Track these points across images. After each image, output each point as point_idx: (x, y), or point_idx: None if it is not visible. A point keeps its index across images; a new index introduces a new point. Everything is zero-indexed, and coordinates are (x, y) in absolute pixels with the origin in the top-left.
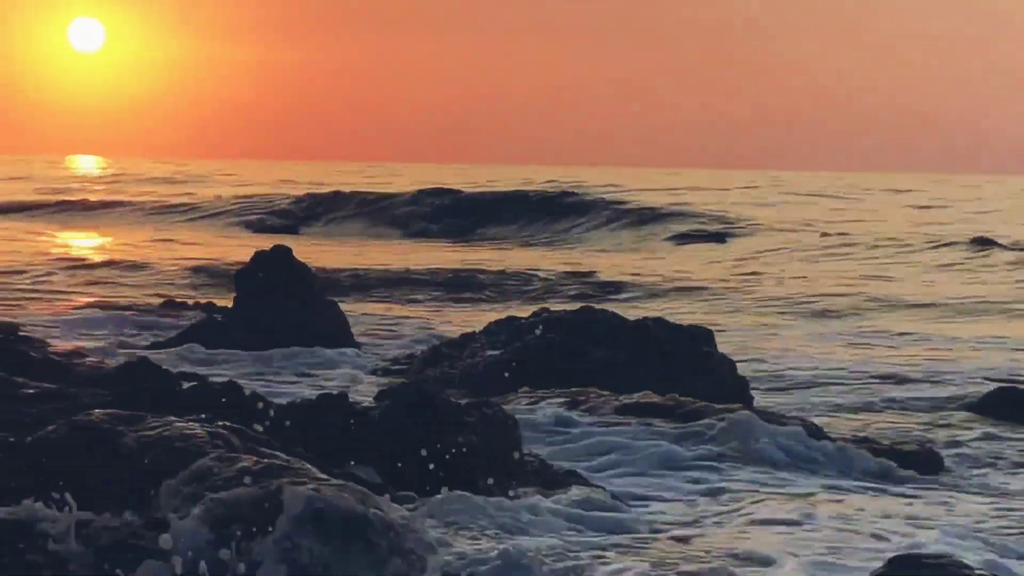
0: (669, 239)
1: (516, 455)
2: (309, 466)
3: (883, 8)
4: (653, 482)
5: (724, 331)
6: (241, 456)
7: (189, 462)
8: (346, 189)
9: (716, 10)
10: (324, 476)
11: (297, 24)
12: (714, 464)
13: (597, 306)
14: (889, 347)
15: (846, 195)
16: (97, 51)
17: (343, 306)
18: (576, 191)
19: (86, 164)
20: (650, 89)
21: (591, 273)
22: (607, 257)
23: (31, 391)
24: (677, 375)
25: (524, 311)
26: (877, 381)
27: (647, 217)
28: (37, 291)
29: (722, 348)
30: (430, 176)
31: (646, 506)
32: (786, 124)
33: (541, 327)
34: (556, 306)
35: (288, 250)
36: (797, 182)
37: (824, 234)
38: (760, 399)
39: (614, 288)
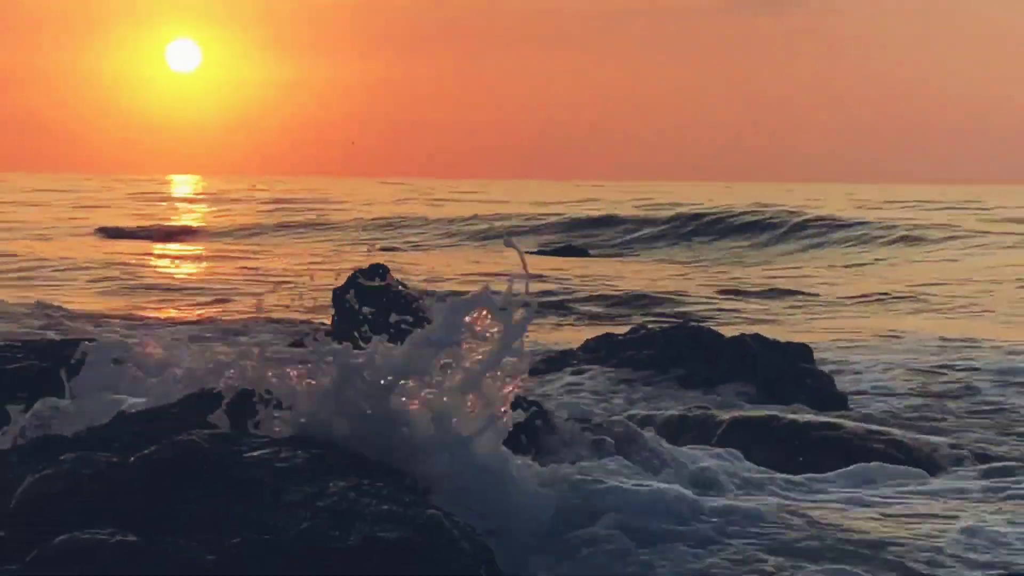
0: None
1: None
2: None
3: None
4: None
5: None
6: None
7: (291, 483)
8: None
9: (840, 23)
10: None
11: (391, 43)
12: None
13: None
14: None
15: None
16: (194, 71)
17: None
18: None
19: (186, 183)
20: (764, 103)
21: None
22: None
23: (135, 410)
24: (775, 391)
25: None
26: None
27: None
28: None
29: None
30: (552, 194)
31: None
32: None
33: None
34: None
35: (386, 268)
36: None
37: None
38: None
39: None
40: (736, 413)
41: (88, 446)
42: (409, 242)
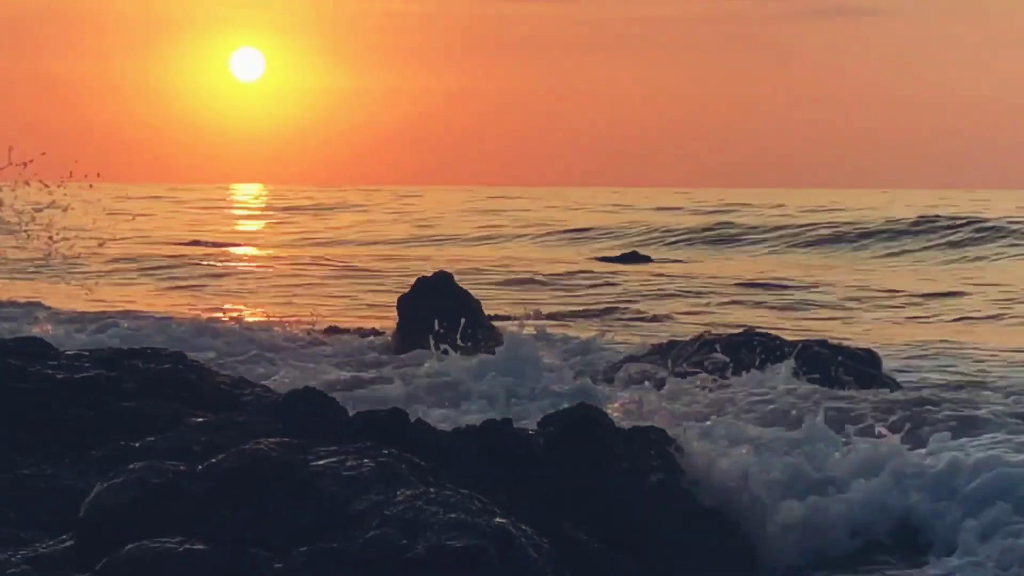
0: None
1: (681, 481)
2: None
3: None
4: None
5: None
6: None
7: (358, 491)
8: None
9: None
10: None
11: (452, 52)
12: None
13: None
14: None
15: None
16: (257, 80)
17: None
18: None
19: (250, 191)
20: (841, 108)
21: None
22: None
23: (200, 419)
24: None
25: None
26: None
27: None
28: None
29: None
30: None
31: None
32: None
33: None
34: None
35: (449, 276)
36: None
37: None
38: None
39: None
40: None
41: (156, 454)
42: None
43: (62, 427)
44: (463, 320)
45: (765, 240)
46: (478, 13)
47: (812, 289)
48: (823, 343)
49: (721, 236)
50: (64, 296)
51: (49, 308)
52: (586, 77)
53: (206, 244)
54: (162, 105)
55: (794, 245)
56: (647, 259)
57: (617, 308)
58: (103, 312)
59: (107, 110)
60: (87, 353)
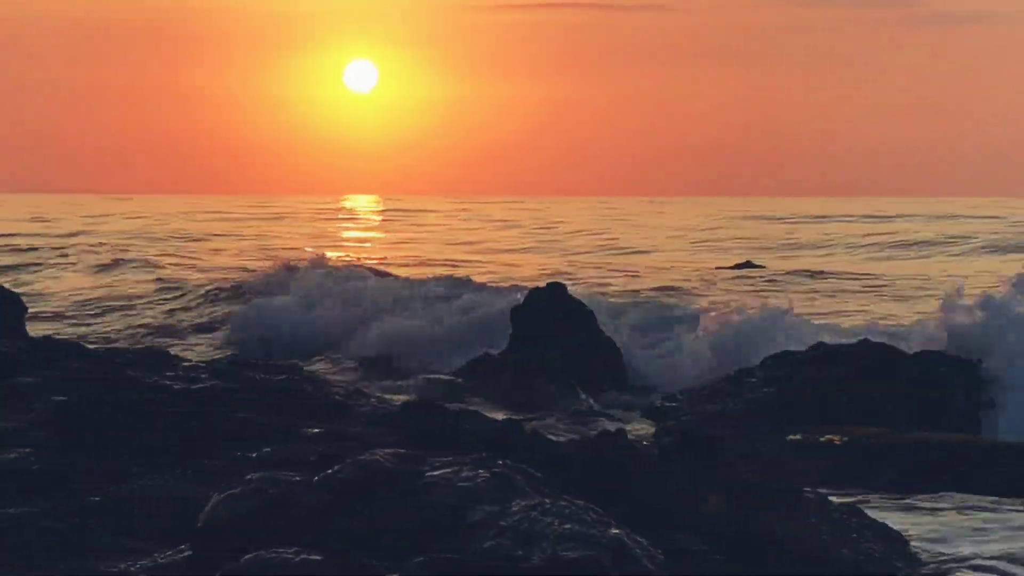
0: None
1: (796, 492)
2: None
3: None
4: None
5: None
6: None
7: (474, 502)
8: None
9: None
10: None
11: (566, 60)
12: None
13: None
14: None
15: None
16: (370, 92)
17: None
18: None
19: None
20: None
21: None
22: None
23: (315, 430)
24: (959, 410)
25: None
26: None
27: None
28: None
29: None
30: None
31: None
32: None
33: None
34: None
35: (562, 287)
36: None
37: None
38: None
39: None
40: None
41: (273, 465)
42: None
43: (179, 438)
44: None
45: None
46: (589, 23)
47: None
48: (939, 354)
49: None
50: None
51: None
52: (692, 85)
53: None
54: (277, 117)
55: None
56: None
57: None
58: None
59: (225, 122)
60: (204, 364)
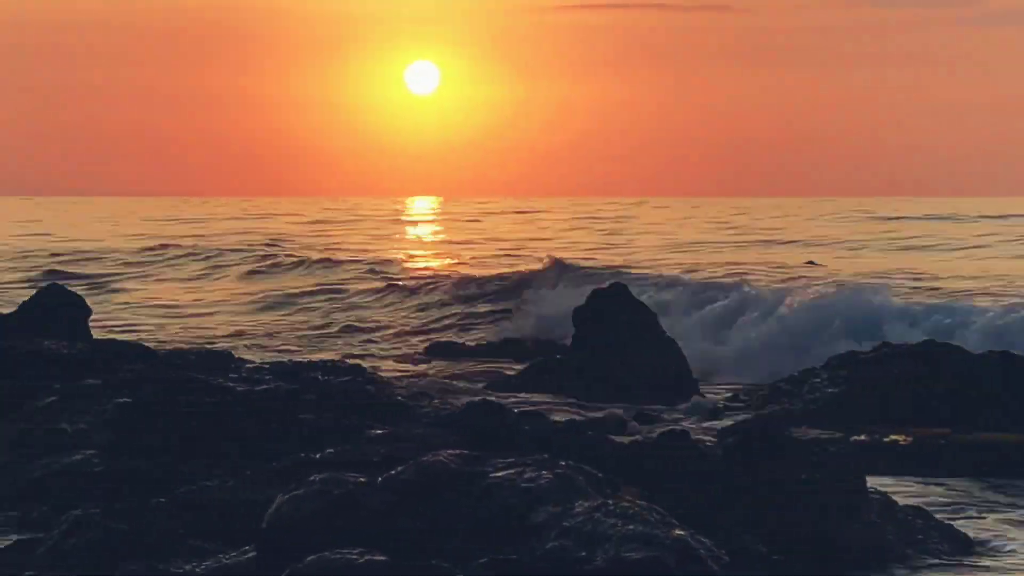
0: None
1: (861, 493)
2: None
3: None
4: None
5: None
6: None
7: (537, 502)
8: None
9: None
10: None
11: (624, 60)
12: None
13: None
14: None
15: None
16: (432, 93)
17: None
18: None
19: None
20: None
21: None
22: None
23: (378, 431)
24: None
25: None
26: None
27: None
28: None
29: None
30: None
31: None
32: None
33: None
34: None
35: (625, 289)
36: None
37: None
38: None
39: None
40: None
41: (336, 466)
42: None
43: (243, 439)
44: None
45: None
46: (649, 23)
47: None
48: (1006, 354)
49: None
50: None
51: None
52: (752, 87)
53: None
54: (338, 119)
55: None
56: None
57: None
58: None
59: (287, 123)
60: (267, 366)
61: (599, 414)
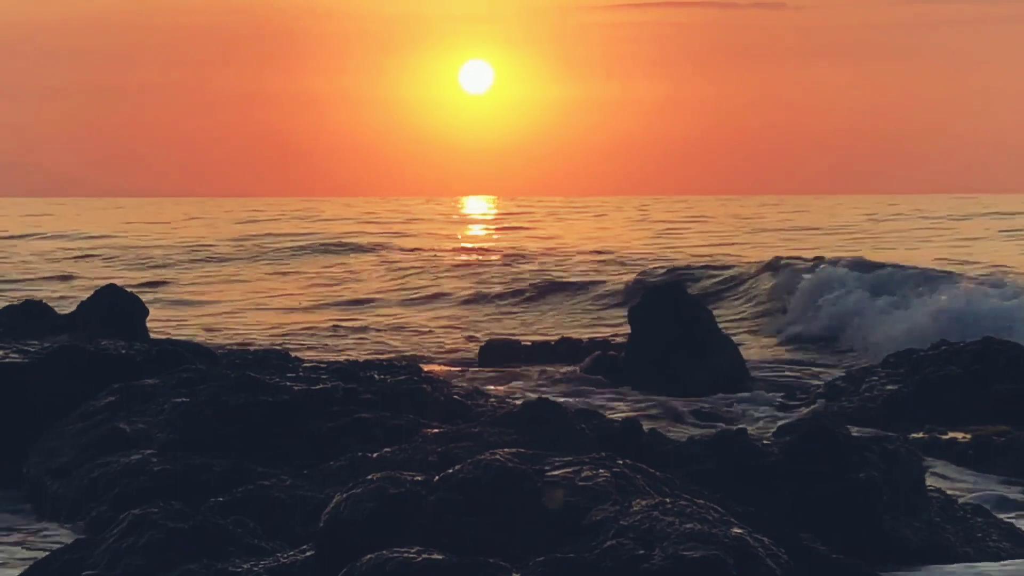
0: None
1: (920, 491)
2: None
3: None
4: None
5: None
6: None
7: (594, 501)
8: None
9: None
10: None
11: (679, 58)
12: None
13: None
14: None
15: None
16: (486, 92)
17: None
18: None
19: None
20: None
21: None
22: None
23: (435, 430)
24: None
25: None
26: None
27: None
28: None
29: None
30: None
31: None
32: None
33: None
34: None
35: (681, 287)
36: None
37: None
38: None
39: None
40: None
41: (393, 465)
42: None
43: (301, 438)
44: (691, 327)
45: None
46: (703, 21)
47: None
48: None
49: None
50: None
51: None
52: (802, 84)
53: None
54: (393, 119)
55: None
56: None
57: None
58: None
59: (343, 123)
60: (324, 365)
61: (656, 410)
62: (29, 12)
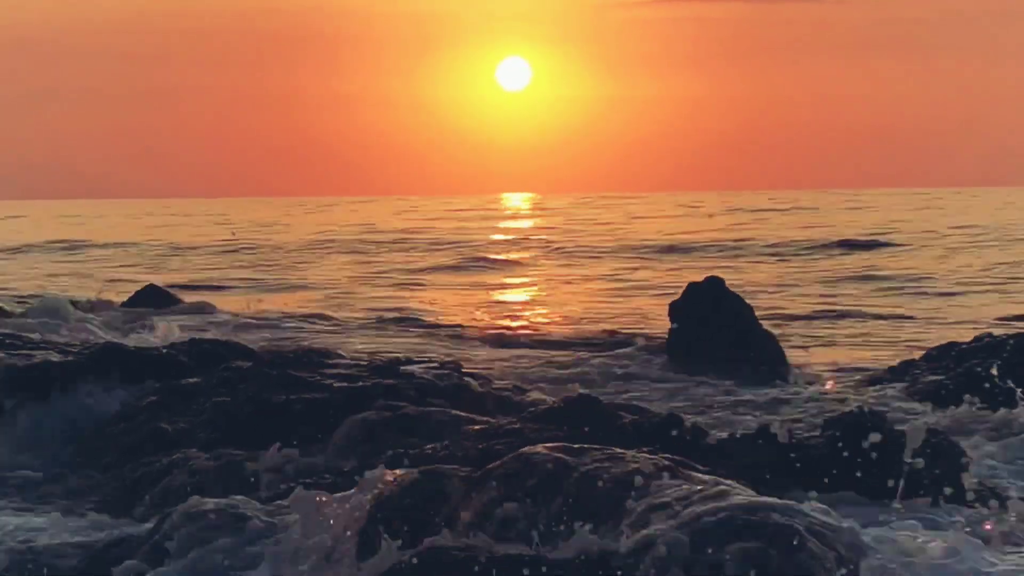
0: None
1: (962, 481)
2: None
3: None
4: None
5: None
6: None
7: (635, 494)
8: None
9: None
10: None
11: (716, 54)
12: None
13: None
14: None
15: None
16: (523, 89)
17: None
18: None
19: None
20: None
21: None
22: None
23: (477, 426)
24: None
25: None
26: None
27: None
28: None
29: None
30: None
31: None
32: None
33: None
34: None
35: (720, 281)
36: None
37: None
38: None
39: None
40: None
41: (436, 459)
42: None
43: (342, 435)
44: (731, 324)
45: None
46: (739, 16)
47: None
48: None
49: None
50: None
51: None
52: (837, 79)
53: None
54: (431, 117)
55: None
56: None
57: None
58: None
59: (380, 123)
60: (364, 362)
61: (697, 406)
62: (64, 16)
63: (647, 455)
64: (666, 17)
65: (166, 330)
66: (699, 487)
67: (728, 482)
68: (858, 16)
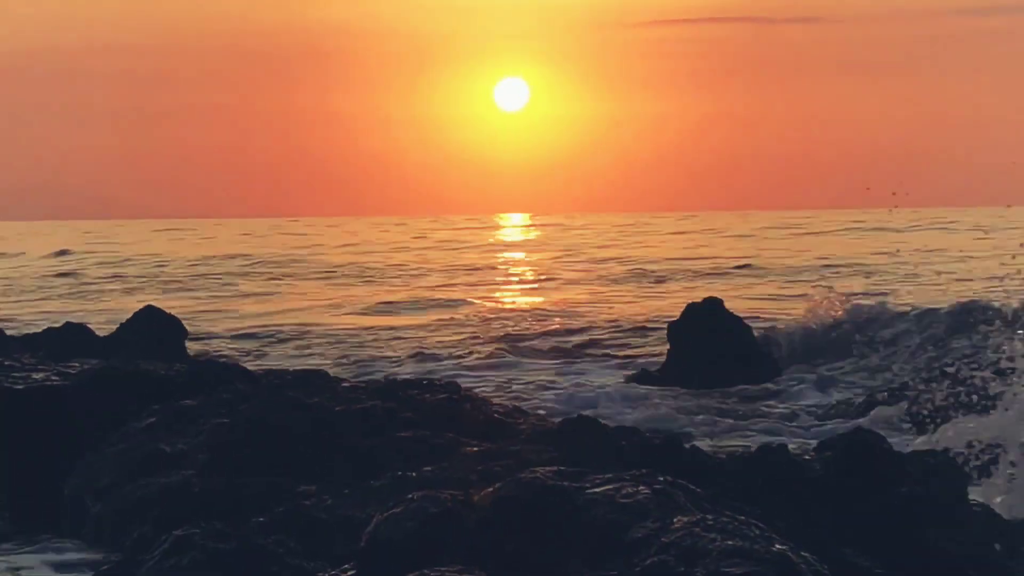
0: None
1: (963, 505)
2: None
3: None
4: None
5: None
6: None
7: (635, 518)
8: None
9: None
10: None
11: (715, 74)
12: None
13: None
14: None
15: None
16: (521, 110)
17: None
18: None
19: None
20: None
21: None
22: None
23: (475, 448)
24: None
25: None
26: None
27: None
28: None
29: None
30: None
31: None
32: None
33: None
34: None
35: (719, 302)
36: None
37: None
38: None
39: None
40: None
41: (434, 484)
42: None
43: (341, 458)
44: (729, 344)
45: None
46: (739, 37)
47: None
48: None
49: None
50: None
51: None
52: (845, 98)
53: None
54: (428, 136)
55: None
56: None
57: None
58: None
59: (375, 143)
60: (363, 385)
61: (697, 428)
62: (76, 38)
63: (647, 478)
64: (664, 37)
65: None
66: (700, 512)
67: (729, 510)
68: (858, 36)
